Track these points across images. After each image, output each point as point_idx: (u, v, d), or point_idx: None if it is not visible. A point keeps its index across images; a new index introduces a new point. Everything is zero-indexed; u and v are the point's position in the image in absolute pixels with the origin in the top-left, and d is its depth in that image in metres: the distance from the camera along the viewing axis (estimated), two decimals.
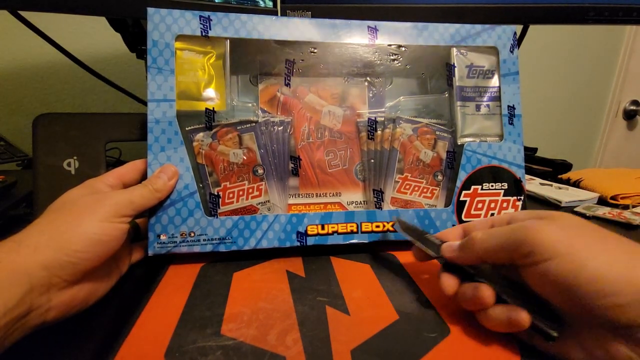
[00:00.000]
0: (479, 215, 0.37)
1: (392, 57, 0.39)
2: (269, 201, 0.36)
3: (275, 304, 0.27)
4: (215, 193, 0.35)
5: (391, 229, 0.36)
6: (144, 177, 0.32)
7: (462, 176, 0.37)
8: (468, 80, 0.39)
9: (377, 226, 0.35)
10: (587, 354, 0.20)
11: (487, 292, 0.23)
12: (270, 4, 0.46)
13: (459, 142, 0.38)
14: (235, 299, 0.27)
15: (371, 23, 0.37)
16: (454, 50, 0.39)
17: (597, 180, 0.60)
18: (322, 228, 0.35)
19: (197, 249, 0.32)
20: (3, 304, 0.19)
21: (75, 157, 0.37)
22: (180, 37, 0.33)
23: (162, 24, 0.33)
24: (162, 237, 0.32)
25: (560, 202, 0.52)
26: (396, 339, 0.23)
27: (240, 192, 0.35)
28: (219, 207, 0.35)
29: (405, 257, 0.35)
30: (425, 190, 0.39)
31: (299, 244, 0.34)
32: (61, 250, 0.22)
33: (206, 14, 0.34)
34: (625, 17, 0.52)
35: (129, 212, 0.27)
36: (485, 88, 0.39)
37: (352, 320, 0.25)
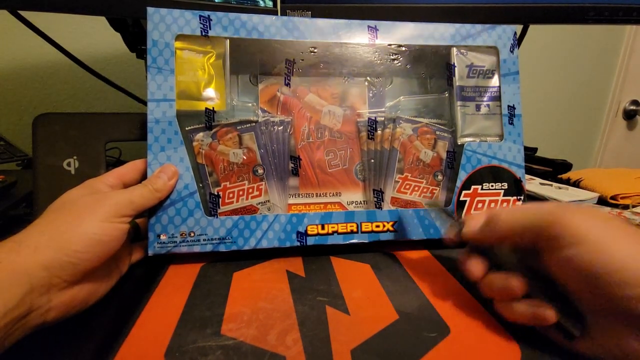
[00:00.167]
0: None
1: (392, 57, 0.39)
2: (269, 201, 0.36)
3: (275, 304, 0.27)
4: (215, 193, 0.35)
5: (391, 228, 0.36)
6: (144, 177, 0.32)
7: (462, 176, 0.37)
8: (468, 80, 0.39)
9: (377, 226, 0.35)
10: (600, 348, 0.21)
11: (518, 283, 0.23)
12: (270, 4, 0.46)
13: (459, 142, 0.38)
14: (235, 299, 0.27)
15: (371, 23, 0.37)
16: (454, 50, 0.39)
17: (597, 180, 0.60)
18: (322, 228, 0.35)
19: (197, 248, 0.32)
20: (3, 305, 0.19)
21: (75, 157, 0.37)
22: (180, 37, 0.33)
23: (161, 23, 0.33)
24: (162, 237, 0.32)
25: (560, 202, 0.52)
26: (396, 338, 0.23)
27: (240, 192, 0.35)
28: (219, 207, 0.35)
29: (405, 257, 0.35)
30: (425, 190, 0.39)
31: (299, 243, 0.34)
32: (61, 250, 0.22)
33: (206, 13, 0.34)
34: (625, 17, 0.52)
35: (129, 212, 0.27)
36: (486, 88, 0.39)
37: (352, 320, 0.25)
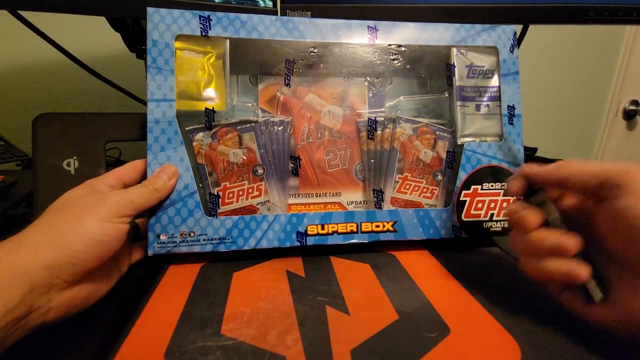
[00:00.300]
0: (478, 215, 0.37)
1: (392, 57, 0.39)
2: (268, 201, 0.36)
3: (275, 304, 0.27)
4: (215, 193, 0.35)
5: (391, 228, 0.36)
6: (144, 177, 0.32)
7: (462, 176, 0.37)
8: (468, 80, 0.39)
9: (377, 226, 0.35)
10: (621, 312, 0.21)
11: (575, 242, 0.23)
12: (270, 4, 0.46)
13: (459, 142, 0.38)
14: (235, 299, 0.27)
15: (371, 23, 0.37)
16: (454, 50, 0.39)
17: None
18: (322, 228, 0.35)
19: (197, 248, 0.32)
20: (3, 305, 0.19)
21: (75, 157, 0.37)
22: (180, 37, 0.33)
23: (161, 23, 0.33)
24: (162, 237, 0.32)
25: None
26: (396, 338, 0.24)
27: (240, 192, 0.35)
28: (219, 207, 0.35)
29: (405, 257, 0.35)
30: (425, 190, 0.39)
31: (298, 243, 0.34)
32: (62, 250, 0.22)
33: (206, 13, 0.34)
34: (625, 17, 0.52)
35: (129, 212, 0.27)
36: (485, 88, 0.39)
37: (352, 320, 0.25)
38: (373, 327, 0.24)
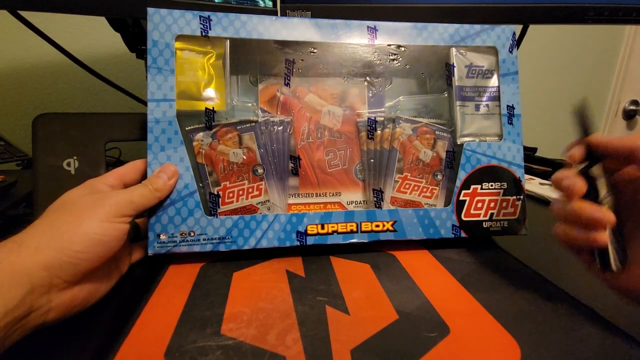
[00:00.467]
0: (478, 215, 0.37)
1: (391, 57, 0.39)
2: (268, 201, 0.36)
3: (275, 304, 0.27)
4: (215, 193, 0.35)
5: (391, 228, 0.36)
6: (144, 177, 0.32)
7: (462, 176, 0.37)
8: (467, 80, 0.39)
9: (377, 226, 0.35)
10: None
11: (608, 218, 0.24)
12: (270, 4, 0.46)
13: (459, 141, 0.38)
14: (235, 299, 0.27)
15: (370, 23, 0.37)
16: (454, 50, 0.39)
17: None
18: (322, 228, 0.35)
19: (197, 248, 0.32)
20: (3, 305, 0.19)
21: (75, 157, 0.37)
22: (180, 37, 0.33)
23: (162, 24, 0.33)
24: (162, 237, 0.32)
25: None
26: (396, 338, 0.24)
27: (240, 192, 0.36)
28: (219, 207, 0.35)
29: (405, 257, 0.35)
30: (425, 189, 0.39)
31: (298, 243, 0.34)
32: (62, 250, 0.22)
33: (206, 14, 0.34)
34: (625, 17, 0.52)
35: (129, 212, 0.27)
36: (485, 88, 0.39)
37: (352, 320, 0.25)
38: (373, 327, 0.24)
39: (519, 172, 0.38)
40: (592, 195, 0.26)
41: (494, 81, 0.39)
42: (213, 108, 0.35)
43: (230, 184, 0.35)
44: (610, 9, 0.51)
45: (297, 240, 0.34)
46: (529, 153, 0.76)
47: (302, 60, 0.38)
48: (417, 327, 0.25)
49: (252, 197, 0.36)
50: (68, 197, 0.26)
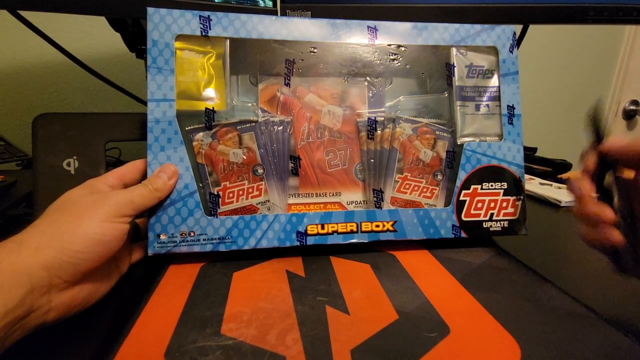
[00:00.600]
0: (478, 215, 0.37)
1: (391, 57, 0.39)
2: (268, 201, 0.36)
3: (275, 304, 0.27)
4: (215, 193, 0.35)
5: (391, 228, 0.36)
6: (144, 177, 0.32)
7: (462, 176, 0.37)
8: (468, 80, 0.39)
9: (377, 226, 0.35)
10: None
11: (610, 215, 0.25)
12: (270, 4, 0.46)
13: (459, 141, 0.38)
14: (235, 299, 0.27)
15: (371, 23, 0.37)
16: (454, 50, 0.39)
17: None
18: (322, 228, 0.35)
19: (196, 248, 0.32)
20: (3, 305, 0.19)
21: (75, 157, 0.37)
22: (180, 37, 0.33)
23: (162, 23, 0.33)
24: (162, 237, 0.32)
25: (560, 201, 0.52)
26: (396, 338, 0.24)
27: (240, 192, 0.36)
28: (219, 207, 0.35)
29: (405, 257, 0.35)
30: (425, 189, 0.39)
31: (298, 243, 0.34)
32: (62, 250, 0.22)
33: (206, 13, 0.34)
34: (625, 17, 0.52)
35: (129, 212, 0.27)
36: (485, 88, 0.39)
37: (352, 320, 0.25)
38: (373, 327, 0.24)
39: (519, 172, 0.38)
40: (607, 200, 0.27)
41: (494, 81, 0.39)
42: (213, 108, 0.35)
43: (230, 184, 0.35)
44: (610, 9, 0.51)
45: (297, 240, 0.34)
46: (529, 153, 0.76)
47: (302, 60, 0.38)
48: (417, 327, 0.25)
49: (252, 197, 0.36)
50: (68, 197, 0.26)
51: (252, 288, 0.29)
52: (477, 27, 0.39)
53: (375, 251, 0.36)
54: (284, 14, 0.46)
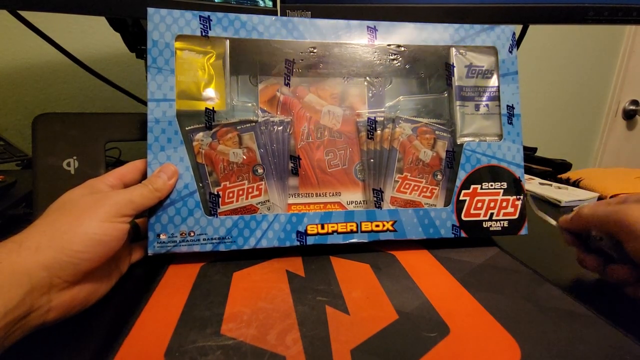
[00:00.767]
0: (478, 215, 0.37)
1: (391, 57, 0.39)
2: (268, 201, 0.36)
3: (275, 304, 0.27)
4: (215, 192, 0.35)
5: (391, 228, 0.36)
6: (144, 177, 0.32)
7: (462, 175, 0.37)
8: (467, 80, 0.39)
9: (377, 226, 0.36)
10: None
11: (622, 272, 0.28)
12: (270, 4, 0.46)
13: (459, 141, 0.38)
14: (235, 299, 0.27)
15: (370, 23, 0.37)
16: (453, 50, 0.39)
17: (597, 180, 0.60)
18: (322, 227, 0.35)
19: (196, 248, 0.32)
20: (3, 305, 0.19)
21: (75, 157, 0.37)
22: (180, 37, 0.33)
23: (162, 24, 0.33)
24: (162, 237, 0.32)
25: (560, 201, 0.53)
26: (396, 338, 0.24)
27: (240, 192, 0.36)
28: (219, 207, 0.35)
29: (405, 257, 0.35)
30: (424, 189, 0.39)
31: (298, 243, 0.34)
32: (62, 250, 0.22)
33: (206, 14, 0.34)
34: (625, 17, 0.52)
35: (130, 211, 0.27)
36: (485, 88, 0.39)
37: (352, 320, 0.25)
38: (373, 327, 0.24)
39: (518, 172, 0.38)
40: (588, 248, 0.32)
41: (493, 81, 0.39)
42: (213, 108, 0.35)
43: (230, 184, 0.35)
44: (610, 9, 0.51)
45: (297, 240, 0.34)
46: (529, 153, 0.76)
47: (302, 60, 0.38)
48: (417, 327, 0.25)
49: (252, 197, 0.36)
50: (68, 197, 0.26)
51: (252, 288, 0.29)
52: (477, 27, 0.39)
53: (375, 251, 0.36)
54: (283, 14, 0.46)
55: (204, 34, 0.34)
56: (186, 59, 0.34)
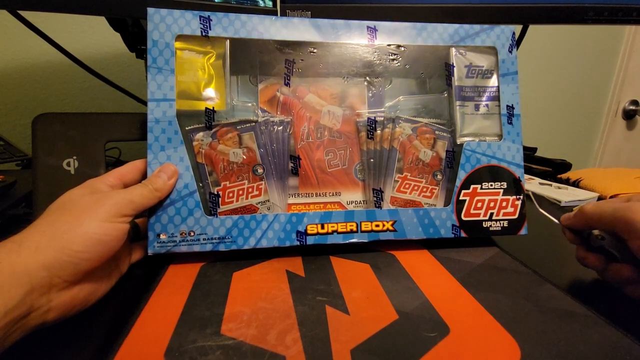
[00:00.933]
0: (478, 215, 0.37)
1: (391, 57, 0.39)
2: (268, 200, 0.36)
3: (275, 304, 0.27)
4: (215, 192, 0.35)
5: (391, 228, 0.36)
6: (144, 177, 0.32)
7: (462, 175, 0.37)
8: (467, 80, 0.39)
9: (377, 225, 0.36)
10: None
11: (624, 271, 0.28)
12: (270, 4, 0.46)
13: (458, 141, 0.38)
14: (235, 299, 0.27)
15: (370, 23, 0.37)
16: (453, 50, 0.39)
17: (597, 180, 0.60)
18: (322, 227, 0.35)
19: (196, 248, 0.32)
20: (3, 305, 0.19)
21: (74, 157, 0.37)
22: (180, 37, 0.33)
23: (162, 24, 0.33)
24: (162, 237, 0.32)
25: (560, 201, 0.53)
26: (396, 338, 0.24)
27: (240, 192, 0.36)
28: (219, 207, 0.35)
29: (405, 257, 0.35)
30: (424, 189, 0.39)
31: (298, 243, 0.34)
32: (62, 250, 0.22)
33: (206, 14, 0.34)
34: (625, 17, 0.52)
35: (130, 211, 0.27)
36: (484, 88, 0.39)
37: (352, 320, 0.25)
38: (373, 327, 0.24)
39: (518, 172, 0.38)
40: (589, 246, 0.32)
41: (493, 81, 0.39)
42: (213, 108, 0.35)
43: (230, 184, 0.35)
44: (610, 9, 0.51)
45: (297, 240, 0.34)
46: (529, 153, 0.76)
47: (302, 60, 0.38)
48: (417, 327, 0.25)
49: (252, 196, 0.36)
50: (68, 197, 0.26)
51: (252, 288, 0.29)
52: (477, 27, 0.39)
53: (375, 251, 0.36)
54: (284, 14, 0.46)
55: (204, 34, 0.34)
56: (186, 59, 0.34)
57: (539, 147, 0.77)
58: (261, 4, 0.46)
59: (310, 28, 0.36)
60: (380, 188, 0.38)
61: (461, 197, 0.37)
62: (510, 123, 0.38)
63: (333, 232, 0.35)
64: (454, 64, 0.39)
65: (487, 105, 0.39)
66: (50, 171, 0.36)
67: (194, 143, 0.35)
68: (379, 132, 0.39)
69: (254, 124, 0.36)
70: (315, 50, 0.38)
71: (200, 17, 0.34)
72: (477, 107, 0.39)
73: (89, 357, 0.22)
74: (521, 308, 0.27)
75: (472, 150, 0.37)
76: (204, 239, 0.33)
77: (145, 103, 0.33)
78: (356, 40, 0.37)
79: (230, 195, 0.35)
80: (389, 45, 0.38)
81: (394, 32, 0.38)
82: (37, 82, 0.73)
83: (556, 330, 0.24)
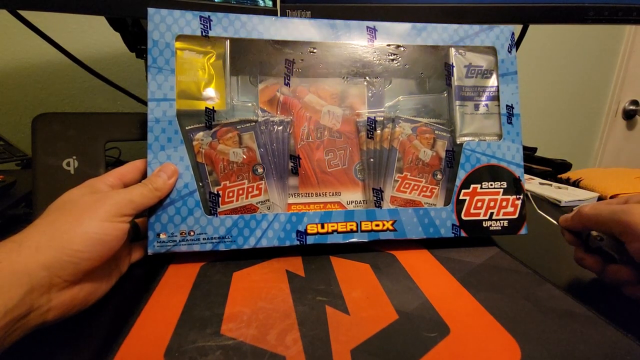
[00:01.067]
0: (478, 214, 0.37)
1: (391, 57, 0.39)
2: (268, 200, 0.36)
3: (275, 304, 0.27)
4: (215, 192, 0.35)
5: (391, 227, 0.36)
6: (144, 176, 0.32)
7: (462, 175, 0.37)
8: (467, 80, 0.39)
9: (377, 225, 0.36)
10: None
11: (622, 272, 0.28)
12: (270, 4, 0.46)
13: (458, 141, 0.38)
14: (235, 299, 0.27)
15: (370, 23, 0.37)
16: (453, 50, 0.39)
17: (597, 180, 0.60)
18: (322, 227, 0.35)
19: (196, 248, 0.32)
20: (3, 305, 0.19)
21: (74, 157, 0.37)
22: (180, 37, 0.34)
23: (162, 24, 0.33)
24: (162, 236, 0.32)
25: (560, 201, 0.53)
26: (396, 338, 0.24)
27: (240, 191, 0.36)
28: (219, 206, 0.35)
29: (405, 257, 0.35)
30: (424, 189, 0.39)
31: (298, 242, 0.34)
32: (62, 250, 0.22)
33: (206, 14, 0.34)
34: (625, 17, 0.52)
35: (130, 211, 0.27)
36: (484, 88, 0.39)
37: (352, 320, 0.25)
38: (373, 327, 0.24)
39: (518, 172, 0.38)
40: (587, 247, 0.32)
41: (493, 81, 0.39)
42: (213, 107, 0.35)
43: (230, 184, 0.35)
44: (610, 9, 0.51)
45: (297, 239, 0.34)
46: (529, 153, 0.76)
47: (302, 60, 0.38)
48: (417, 327, 0.25)
49: (252, 196, 0.36)
50: (68, 197, 0.26)
51: (252, 288, 0.29)
52: (476, 27, 0.39)
53: (375, 251, 0.36)
54: (283, 14, 0.46)
55: (204, 34, 0.34)
56: (186, 59, 0.34)
57: (539, 147, 0.77)
58: (261, 4, 0.46)
59: (310, 28, 0.36)
60: (380, 188, 0.38)
61: (461, 197, 0.37)
62: (510, 123, 0.38)
63: (333, 231, 0.35)
64: (454, 64, 0.39)
65: (486, 105, 0.39)
66: (50, 171, 0.36)
67: (194, 143, 0.35)
68: (378, 132, 0.39)
69: (254, 123, 0.36)
70: (315, 50, 0.38)
71: (201, 17, 0.34)
72: (476, 107, 0.39)
73: (89, 357, 0.22)
74: (521, 308, 0.27)
75: (472, 150, 0.37)
76: (203, 239, 0.33)
77: (145, 103, 0.33)
78: (356, 40, 0.37)
79: (230, 194, 0.35)
80: (388, 45, 0.38)
81: (394, 32, 0.38)
82: (37, 82, 0.73)
83: (556, 330, 0.24)
